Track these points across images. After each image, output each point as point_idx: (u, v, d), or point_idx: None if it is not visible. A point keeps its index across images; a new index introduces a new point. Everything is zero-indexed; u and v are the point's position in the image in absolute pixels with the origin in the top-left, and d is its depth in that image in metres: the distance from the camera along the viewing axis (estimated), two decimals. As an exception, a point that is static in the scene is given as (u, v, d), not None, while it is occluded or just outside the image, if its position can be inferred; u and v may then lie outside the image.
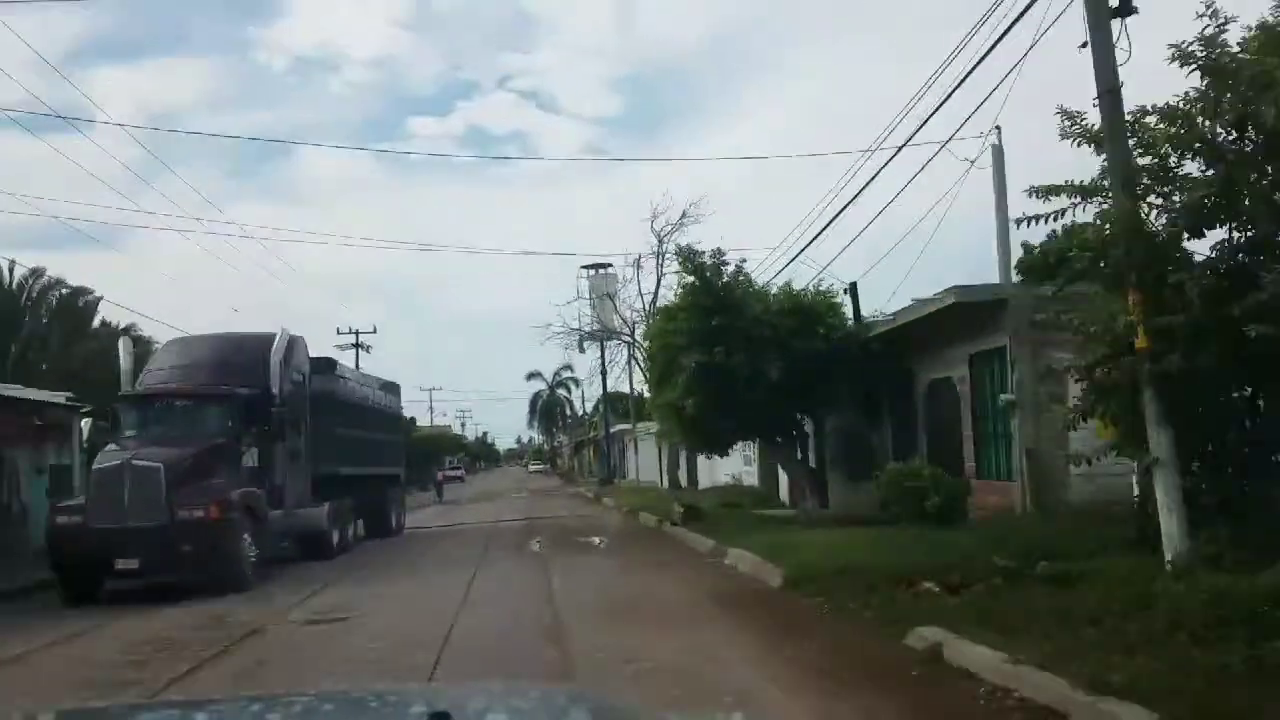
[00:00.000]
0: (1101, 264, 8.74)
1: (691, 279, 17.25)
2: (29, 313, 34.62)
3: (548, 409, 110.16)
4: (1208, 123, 8.23)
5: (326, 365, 19.28)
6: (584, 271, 47.66)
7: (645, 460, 51.85)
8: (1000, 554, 10.06)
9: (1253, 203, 8.00)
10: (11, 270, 32.94)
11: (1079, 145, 9.01)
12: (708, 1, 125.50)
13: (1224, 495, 8.68)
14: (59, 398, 21.24)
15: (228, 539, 14.14)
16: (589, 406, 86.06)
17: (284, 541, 17.28)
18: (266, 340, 17.00)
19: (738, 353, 15.69)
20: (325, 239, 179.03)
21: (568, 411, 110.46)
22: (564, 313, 53.16)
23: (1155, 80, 8.78)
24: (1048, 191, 9.00)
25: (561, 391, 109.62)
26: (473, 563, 16.24)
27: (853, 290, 18.19)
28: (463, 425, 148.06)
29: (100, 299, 35.23)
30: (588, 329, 41.61)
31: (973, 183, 16.78)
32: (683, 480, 42.51)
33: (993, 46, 12.33)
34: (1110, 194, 8.78)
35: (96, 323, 35.84)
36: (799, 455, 19.81)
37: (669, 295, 38.18)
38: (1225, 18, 8.02)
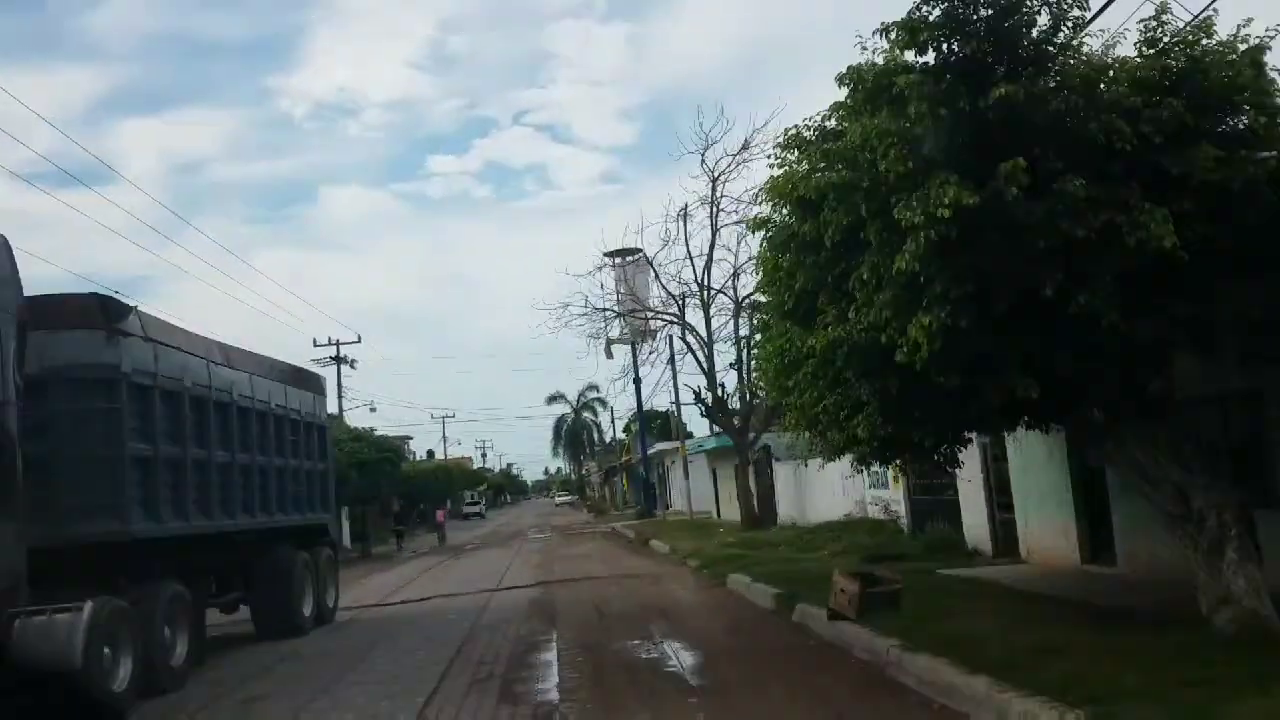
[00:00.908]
0: None
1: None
2: None
3: (573, 434, 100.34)
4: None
5: (96, 311, 9.23)
6: (608, 260, 38.37)
7: (697, 487, 41.78)
8: None
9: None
10: None
11: None
12: (722, 29, 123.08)
13: None
14: None
15: None
16: (618, 429, 76.23)
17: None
18: None
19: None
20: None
21: (595, 437, 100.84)
22: (584, 286, 43.36)
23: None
24: None
25: (587, 415, 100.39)
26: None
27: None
28: (483, 456, 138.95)
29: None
30: (615, 310, 31.57)
31: None
32: (722, 510, 32.76)
33: None
34: None
35: None
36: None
37: (727, 255, 28.58)
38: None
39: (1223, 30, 6.59)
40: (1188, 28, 6.58)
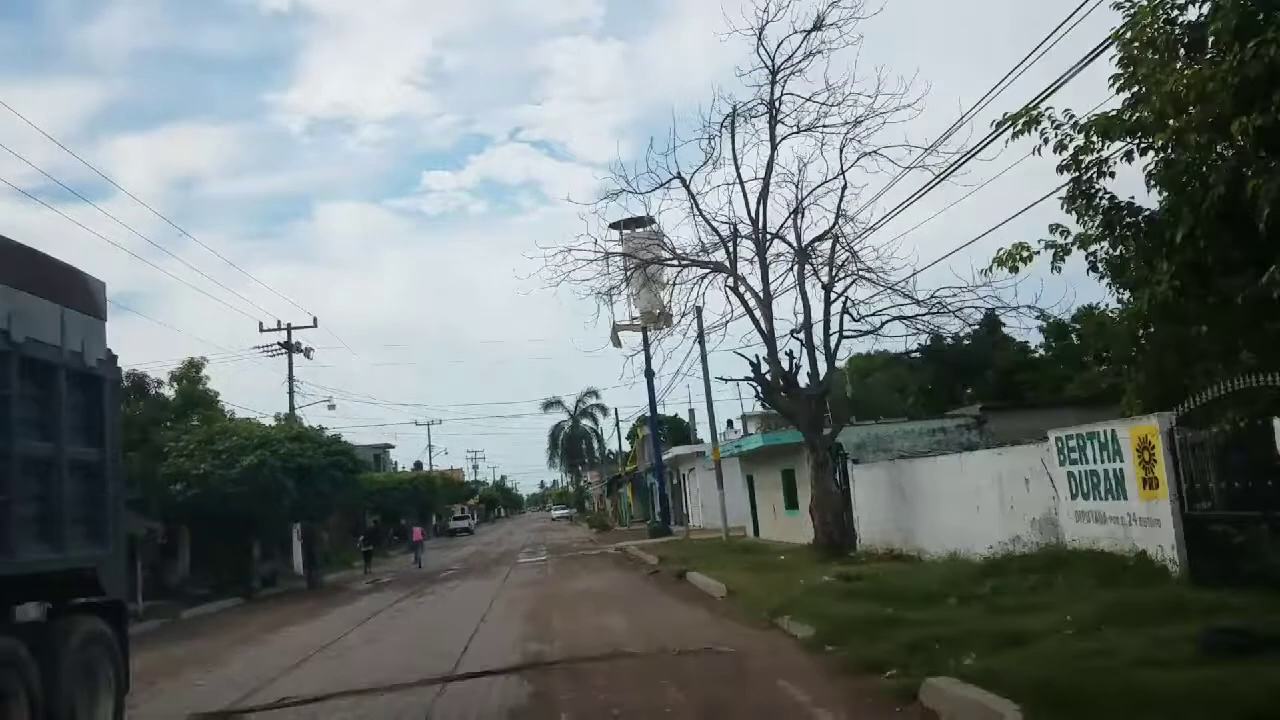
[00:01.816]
0: None
1: None
2: None
3: (571, 443, 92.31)
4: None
5: None
6: (613, 233, 31.23)
7: (732, 499, 33.92)
8: None
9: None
10: None
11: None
12: (714, 48, 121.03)
13: None
14: None
15: None
16: (622, 435, 68.29)
17: None
18: None
19: None
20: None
21: (595, 446, 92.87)
22: (590, 226, 35.24)
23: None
24: None
25: (586, 422, 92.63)
26: None
27: None
28: (475, 469, 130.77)
29: None
30: (635, 259, 23.80)
31: None
32: (763, 528, 24.89)
33: None
34: None
35: None
36: None
37: (787, 181, 20.73)
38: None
39: None
40: None
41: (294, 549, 36.81)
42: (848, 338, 19.45)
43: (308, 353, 38.57)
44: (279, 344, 37.61)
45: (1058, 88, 11.93)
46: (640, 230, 38.38)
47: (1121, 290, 11.63)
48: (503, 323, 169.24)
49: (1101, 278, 11.59)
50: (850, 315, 19.26)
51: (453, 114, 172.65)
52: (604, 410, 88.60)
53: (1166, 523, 10.42)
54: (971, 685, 6.77)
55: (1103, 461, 11.58)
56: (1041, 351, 40.60)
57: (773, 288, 20.06)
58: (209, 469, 25.37)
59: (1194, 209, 9.63)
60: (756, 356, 19.73)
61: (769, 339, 19.43)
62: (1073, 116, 10.98)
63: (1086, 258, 11.47)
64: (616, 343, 41.14)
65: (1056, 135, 11.04)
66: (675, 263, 21.08)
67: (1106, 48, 10.72)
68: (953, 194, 24.60)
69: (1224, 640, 6.85)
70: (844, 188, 19.15)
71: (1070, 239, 11.40)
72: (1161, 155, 10.21)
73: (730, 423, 57.52)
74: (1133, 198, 10.99)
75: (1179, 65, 9.49)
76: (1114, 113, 10.61)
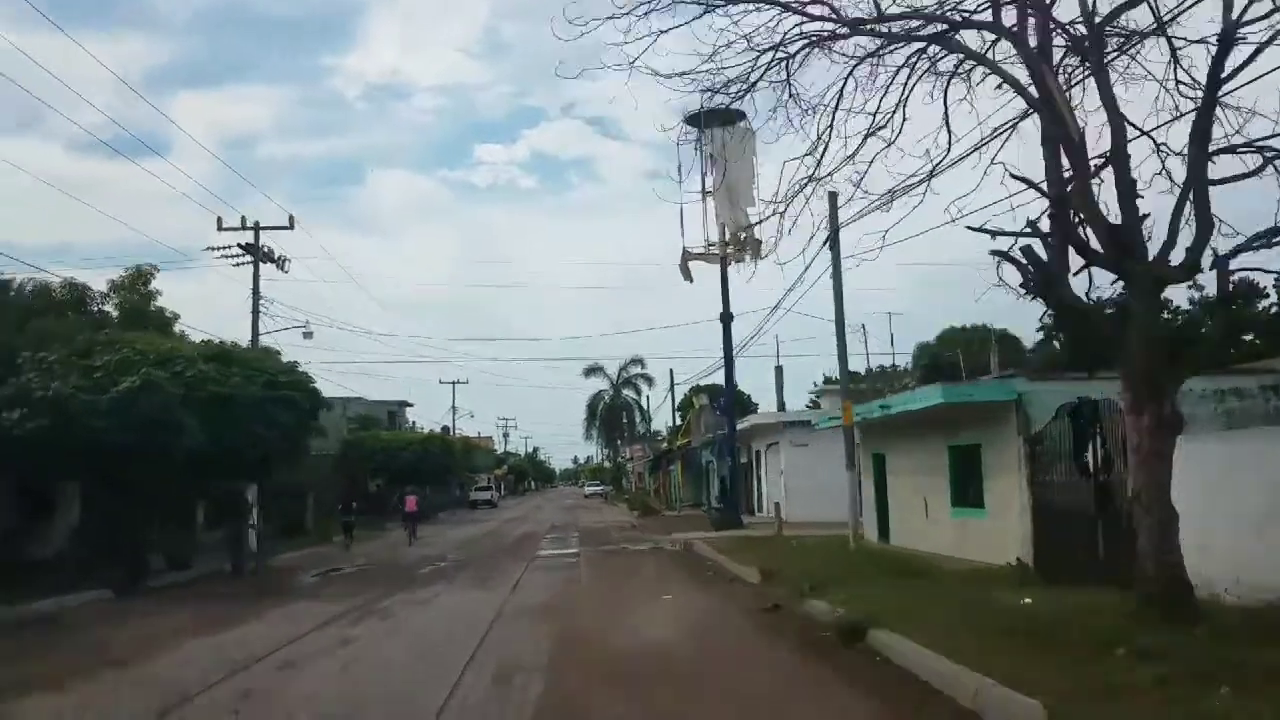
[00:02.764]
0: None
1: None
2: None
3: (610, 414, 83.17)
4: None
5: None
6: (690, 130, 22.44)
7: (808, 482, 24.48)
8: None
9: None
10: None
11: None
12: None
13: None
14: None
15: None
16: (674, 408, 58.69)
17: None
18: None
19: None
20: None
21: (636, 419, 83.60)
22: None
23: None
24: None
25: (628, 393, 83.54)
26: None
27: None
28: (506, 437, 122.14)
29: None
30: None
31: None
32: (901, 531, 15.34)
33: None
34: None
35: None
36: None
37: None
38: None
39: None
40: None
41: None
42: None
43: (281, 263, 29.42)
44: (240, 246, 28.46)
45: None
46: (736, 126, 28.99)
47: None
48: (546, 300, 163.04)
49: None
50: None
51: (507, 85, 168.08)
52: (649, 380, 79.58)
53: None
54: None
55: None
56: None
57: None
58: (65, 391, 16.27)
59: None
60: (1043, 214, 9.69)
61: (1077, 156, 9.33)
62: None
63: None
64: (686, 274, 31.73)
65: None
66: (875, 28, 10.85)
67: None
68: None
69: None
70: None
71: None
72: None
73: (814, 400, 47.72)
74: None
75: None
76: None
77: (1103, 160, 9.07)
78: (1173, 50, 9.44)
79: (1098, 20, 9.18)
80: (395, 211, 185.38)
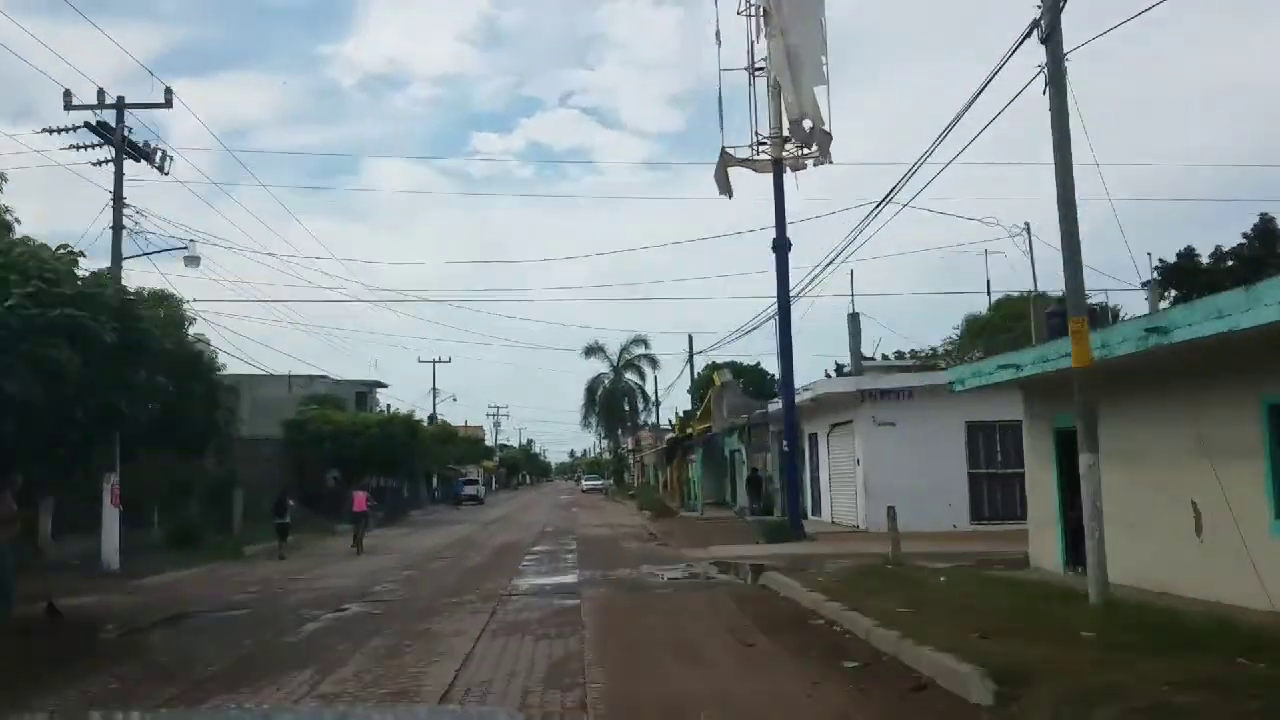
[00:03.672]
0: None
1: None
2: None
3: (610, 400, 74.40)
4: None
5: None
6: None
7: (908, 473, 15.75)
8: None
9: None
10: None
11: None
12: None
13: None
14: None
15: None
16: (691, 381, 49.90)
17: None
18: None
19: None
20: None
21: (639, 406, 74.87)
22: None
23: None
24: None
25: (631, 377, 74.86)
26: None
27: None
28: (497, 427, 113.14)
29: None
30: None
31: None
32: (1133, 563, 7.07)
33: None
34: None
35: None
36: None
37: None
38: None
39: None
40: None
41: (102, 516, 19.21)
42: None
43: (160, 161, 20.56)
44: (91, 125, 19.57)
45: None
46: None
47: None
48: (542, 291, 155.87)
49: None
50: None
51: (505, 75, 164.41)
52: (653, 361, 71.01)
53: None
54: None
55: None
56: None
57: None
58: None
59: None
60: None
61: None
62: None
63: None
64: (724, 186, 22.96)
65: None
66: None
67: None
68: None
69: None
70: None
71: None
72: None
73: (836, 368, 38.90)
74: None
75: None
76: None
77: None
78: None
79: None
80: (392, 200, 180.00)
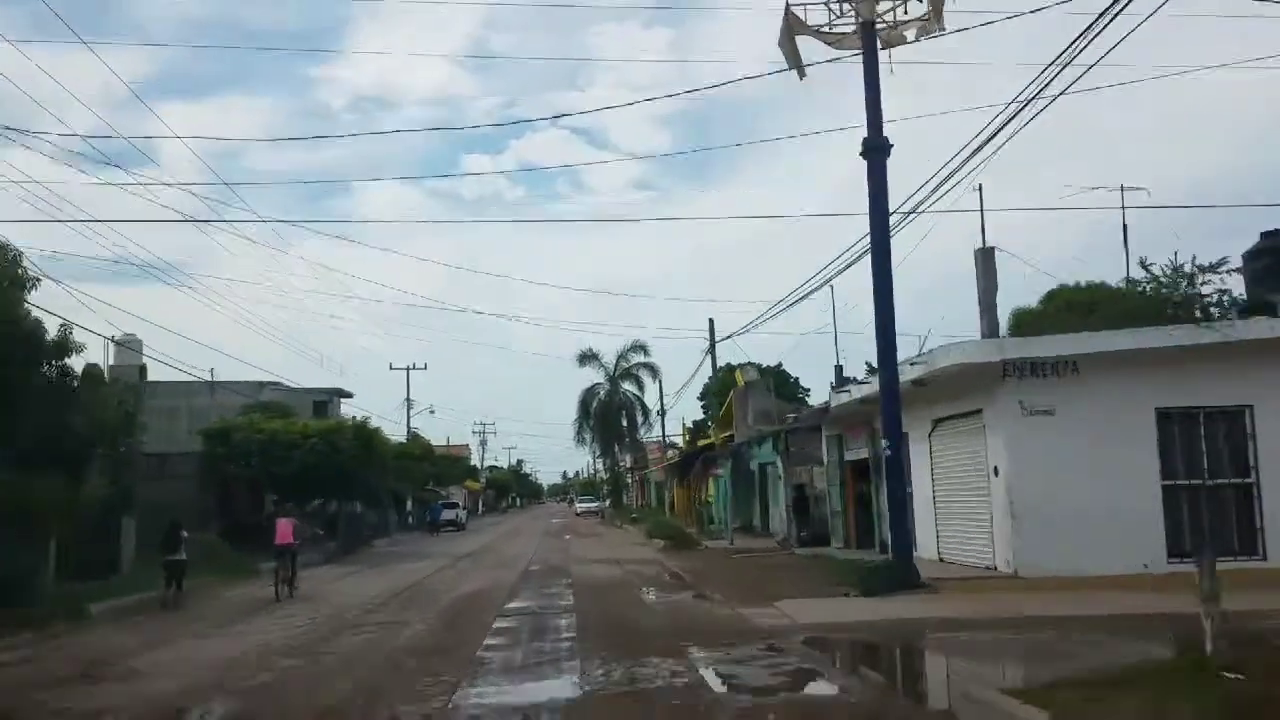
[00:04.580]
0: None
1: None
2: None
3: (606, 414, 66.87)
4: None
5: None
6: None
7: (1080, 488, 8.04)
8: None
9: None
10: None
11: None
12: (764, 37, 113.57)
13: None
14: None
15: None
16: (712, 371, 42.32)
17: None
18: None
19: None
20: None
21: (638, 420, 67.35)
22: None
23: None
24: None
25: (629, 387, 67.61)
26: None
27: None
28: (483, 445, 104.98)
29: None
30: None
31: None
32: None
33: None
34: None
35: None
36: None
37: None
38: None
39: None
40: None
41: None
42: None
43: None
44: None
45: None
46: None
47: None
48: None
49: None
50: None
51: (495, 96, 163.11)
52: (653, 371, 63.81)
53: None
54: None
55: None
56: None
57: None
58: None
59: None
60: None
61: None
62: None
63: None
64: (793, 60, 15.40)
65: None
66: None
67: None
68: None
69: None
70: None
71: None
72: None
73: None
74: None
75: None
76: None
77: None
78: None
79: None
80: (382, 221, 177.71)
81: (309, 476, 29.20)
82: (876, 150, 15.09)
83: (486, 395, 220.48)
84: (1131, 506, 14.33)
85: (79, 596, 16.94)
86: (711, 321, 31.42)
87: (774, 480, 30.69)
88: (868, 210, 15.25)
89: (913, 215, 16.41)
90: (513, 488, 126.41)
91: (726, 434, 34.41)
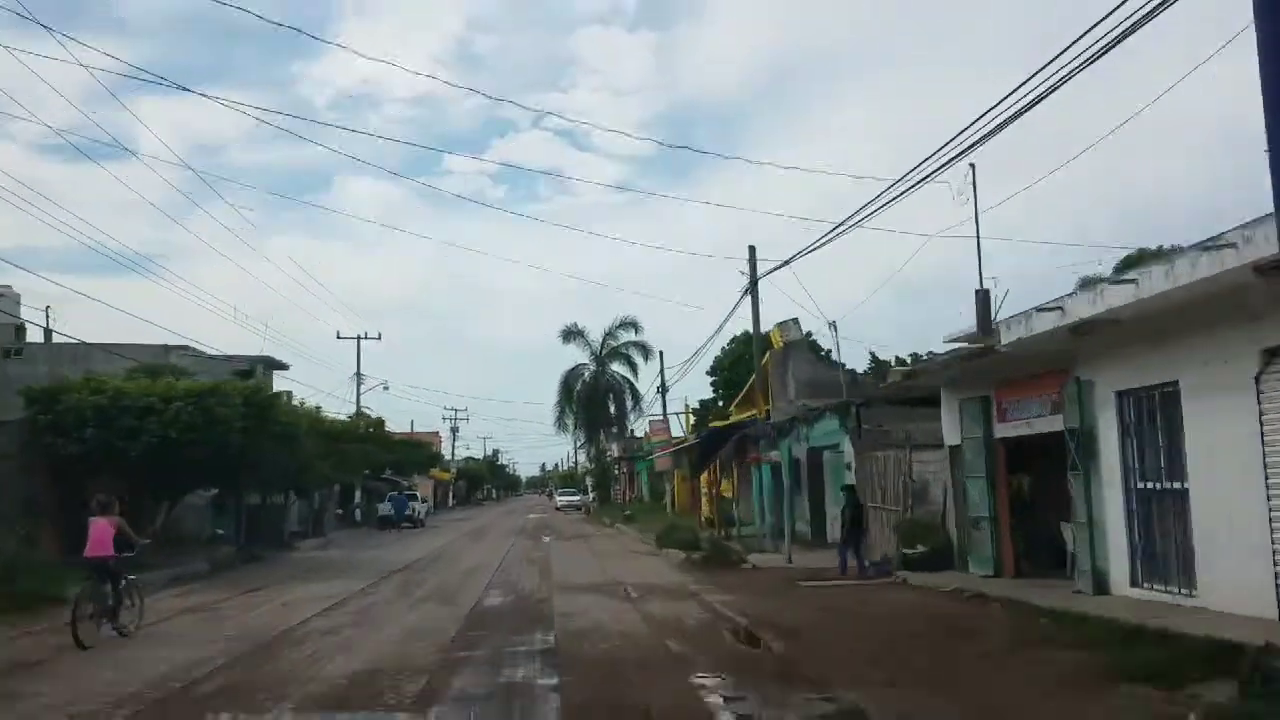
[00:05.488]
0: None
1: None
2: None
3: (592, 397, 58.24)
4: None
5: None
6: None
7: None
8: None
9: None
10: None
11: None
12: (749, 40, 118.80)
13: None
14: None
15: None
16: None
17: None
18: None
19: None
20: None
21: (627, 404, 58.77)
22: None
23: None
24: None
25: (618, 368, 59.52)
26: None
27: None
28: (454, 431, 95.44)
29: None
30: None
31: None
32: None
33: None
34: None
35: None
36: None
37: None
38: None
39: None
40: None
41: None
42: None
43: None
44: None
45: None
46: None
47: None
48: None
49: None
50: None
51: (479, 97, 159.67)
52: (644, 350, 55.95)
53: None
54: None
55: None
56: None
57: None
58: None
59: None
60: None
61: None
62: None
63: None
64: None
65: None
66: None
67: None
68: None
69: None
70: None
71: None
72: None
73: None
74: None
75: None
76: None
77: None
78: None
79: None
80: (363, 219, 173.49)
81: (173, 456, 20.07)
82: None
83: (465, 385, 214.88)
84: None
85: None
86: (752, 250, 22.38)
87: (836, 470, 21.89)
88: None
89: None
90: (487, 479, 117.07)
91: (749, 414, 25.58)
